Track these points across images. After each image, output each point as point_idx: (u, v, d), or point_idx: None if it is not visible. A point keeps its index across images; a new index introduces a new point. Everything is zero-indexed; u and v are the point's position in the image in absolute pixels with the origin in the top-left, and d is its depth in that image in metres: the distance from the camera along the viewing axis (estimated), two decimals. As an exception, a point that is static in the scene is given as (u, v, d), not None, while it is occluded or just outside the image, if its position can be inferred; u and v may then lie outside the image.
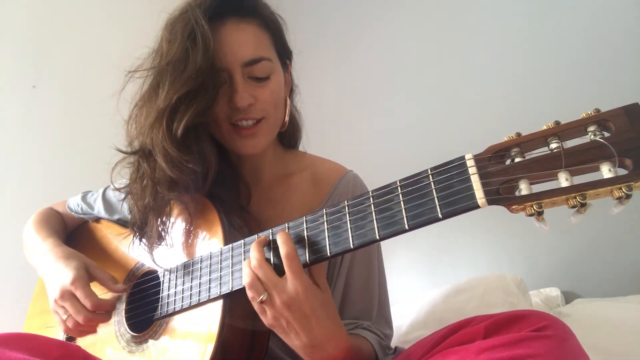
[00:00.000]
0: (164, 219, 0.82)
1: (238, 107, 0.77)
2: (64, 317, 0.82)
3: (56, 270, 0.84)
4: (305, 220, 0.65)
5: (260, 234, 0.69)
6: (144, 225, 0.82)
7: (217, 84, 0.75)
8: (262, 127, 0.81)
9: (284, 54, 0.88)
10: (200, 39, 0.73)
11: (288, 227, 0.67)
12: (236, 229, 0.79)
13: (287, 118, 0.87)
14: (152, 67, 0.77)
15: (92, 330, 0.85)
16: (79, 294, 0.80)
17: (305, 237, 0.64)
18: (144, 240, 0.83)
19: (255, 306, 0.63)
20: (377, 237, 0.58)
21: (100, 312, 0.83)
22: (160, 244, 0.82)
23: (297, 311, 0.60)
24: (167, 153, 0.74)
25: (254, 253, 0.64)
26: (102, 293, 0.86)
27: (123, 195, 0.87)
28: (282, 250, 0.62)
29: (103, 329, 0.87)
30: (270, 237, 0.68)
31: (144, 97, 0.78)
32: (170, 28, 0.77)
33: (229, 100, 0.78)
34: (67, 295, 0.81)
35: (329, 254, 0.62)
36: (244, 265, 0.65)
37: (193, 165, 0.74)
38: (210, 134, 0.81)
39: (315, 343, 0.62)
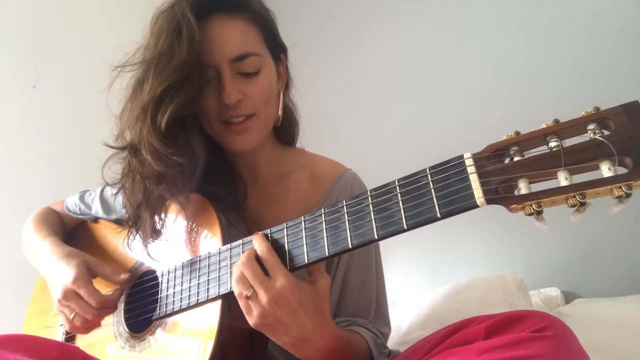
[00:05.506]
0: (158, 216, 0.81)
1: (226, 104, 0.77)
2: (71, 316, 0.82)
3: (58, 270, 0.84)
4: (304, 220, 0.65)
5: (257, 234, 0.68)
6: (137, 220, 0.82)
7: (202, 77, 0.75)
8: (252, 123, 0.81)
9: (277, 48, 0.87)
10: (186, 32, 0.73)
11: (286, 226, 0.67)
12: (233, 224, 0.78)
13: (280, 112, 0.87)
14: (139, 61, 0.77)
15: (97, 324, 0.85)
16: (82, 292, 0.80)
17: (304, 237, 0.64)
18: (138, 236, 0.83)
19: (242, 304, 0.63)
20: (376, 237, 0.57)
21: (106, 307, 0.83)
22: (154, 241, 0.82)
23: (285, 306, 0.60)
24: (152, 146, 0.74)
25: (245, 253, 0.65)
26: (103, 289, 0.85)
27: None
28: (258, 250, 0.63)
29: (102, 329, 0.87)
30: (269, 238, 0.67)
31: (130, 92, 0.78)
32: (157, 22, 0.77)
33: (218, 97, 0.78)
34: (71, 295, 0.81)
35: (327, 254, 0.61)
36: (235, 265, 0.65)
37: (178, 157, 0.74)
38: (199, 127, 0.81)
39: (305, 336, 0.62)
